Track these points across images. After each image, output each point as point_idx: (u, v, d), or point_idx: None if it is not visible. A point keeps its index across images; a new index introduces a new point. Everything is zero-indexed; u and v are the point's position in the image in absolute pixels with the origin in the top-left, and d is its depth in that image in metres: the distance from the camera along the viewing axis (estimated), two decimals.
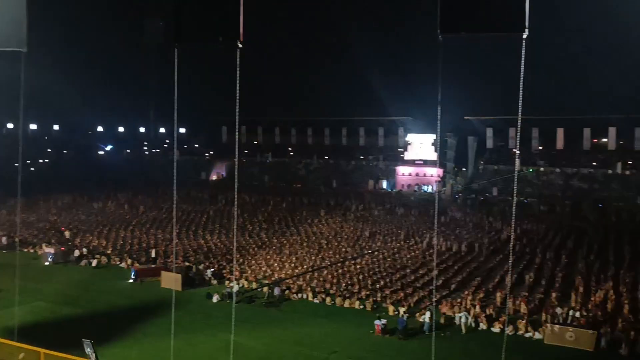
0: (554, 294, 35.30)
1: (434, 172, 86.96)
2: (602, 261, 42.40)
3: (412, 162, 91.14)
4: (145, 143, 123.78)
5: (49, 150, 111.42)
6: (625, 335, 28.35)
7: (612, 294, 34.80)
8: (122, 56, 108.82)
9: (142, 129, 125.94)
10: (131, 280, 40.94)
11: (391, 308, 33.99)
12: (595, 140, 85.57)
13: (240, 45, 13.48)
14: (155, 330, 29.80)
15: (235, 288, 36.77)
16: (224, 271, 42.80)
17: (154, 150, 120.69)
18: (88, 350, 20.51)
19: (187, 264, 44.39)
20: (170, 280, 36.92)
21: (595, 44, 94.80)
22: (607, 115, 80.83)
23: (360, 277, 40.68)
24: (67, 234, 54.67)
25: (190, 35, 13.81)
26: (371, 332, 30.65)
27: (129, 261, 45.43)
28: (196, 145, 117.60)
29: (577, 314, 31.57)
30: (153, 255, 46.85)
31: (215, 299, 36.42)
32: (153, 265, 44.06)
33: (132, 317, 32.59)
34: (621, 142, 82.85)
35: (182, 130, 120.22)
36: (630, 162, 77.79)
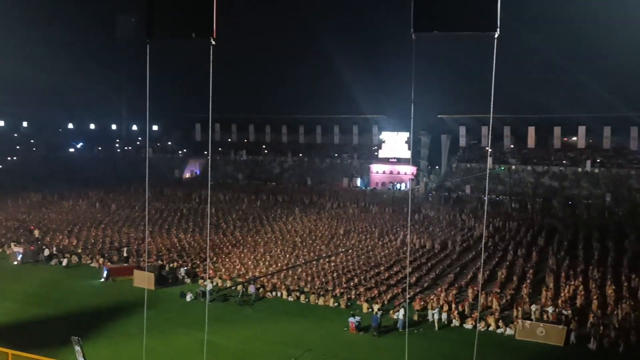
0: (524, 290, 35.83)
1: (408, 170, 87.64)
2: (571, 257, 43.13)
3: (386, 160, 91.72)
4: (117, 141, 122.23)
5: (18, 147, 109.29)
6: (594, 330, 28.89)
7: (582, 289, 35.44)
8: (93, 52, 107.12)
9: (113, 127, 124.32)
10: (102, 280, 40.41)
11: (365, 305, 34.13)
12: (566, 139, 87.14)
13: (213, 42, 13.36)
14: (127, 329, 29.51)
15: (209, 286, 36.56)
16: (198, 270, 42.50)
17: (126, 148, 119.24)
18: (77, 347, 20.20)
19: (160, 262, 43.97)
20: (143, 279, 36.53)
21: (565, 44, 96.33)
22: (577, 114, 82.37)
23: (335, 274, 40.76)
24: (36, 232, 53.66)
25: (163, 31, 13.63)
26: (345, 329, 30.74)
27: (101, 260, 44.82)
28: (169, 143, 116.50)
29: (550, 310, 32.03)
30: (125, 254, 46.29)
31: (188, 297, 36.16)
32: (125, 264, 43.54)
33: (104, 316, 32.17)
34: (590, 141, 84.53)
35: (155, 127, 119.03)
36: (599, 160, 79.39)
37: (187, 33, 13.30)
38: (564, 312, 31.74)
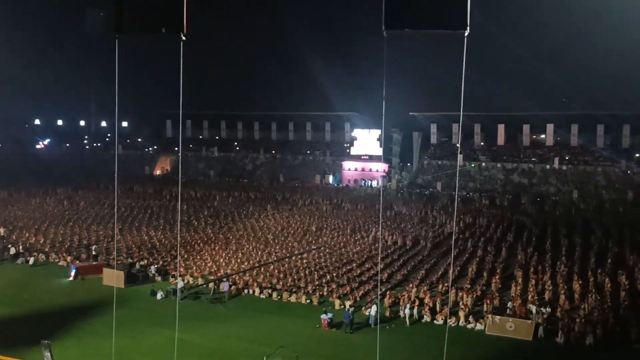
0: (494, 286, 36.33)
1: (380, 167, 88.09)
2: (540, 253, 43.85)
3: (358, 158, 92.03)
4: (86, 137, 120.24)
5: None
6: (562, 324, 29.44)
7: (550, 284, 36.07)
8: (62, 47, 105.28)
9: (82, 123, 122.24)
10: (71, 278, 39.76)
11: (337, 302, 34.25)
12: (534, 137, 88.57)
13: (183, 38, 13.21)
14: (97, 328, 29.11)
15: (180, 284, 36.24)
16: (169, 267, 42.12)
17: (95, 145, 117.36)
18: (46, 353, 19.83)
19: (130, 260, 43.45)
20: (112, 278, 36.05)
21: (534, 43, 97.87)
22: (545, 112, 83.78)
23: (307, 271, 40.78)
24: (2, 230, 52.48)
25: (132, 26, 13.42)
26: (318, 326, 30.79)
27: (69, 258, 44.08)
28: (139, 140, 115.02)
29: (533, 307, 32.52)
30: (94, 252, 45.59)
31: (159, 295, 35.80)
32: (94, 263, 42.93)
33: (72, 315, 31.67)
34: (558, 139, 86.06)
35: (125, 124, 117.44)
36: (566, 158, 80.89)
37: (156, 28, 13.11)
38: (532, 306, 32.28)
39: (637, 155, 78.14)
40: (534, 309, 31.25)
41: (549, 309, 31.77)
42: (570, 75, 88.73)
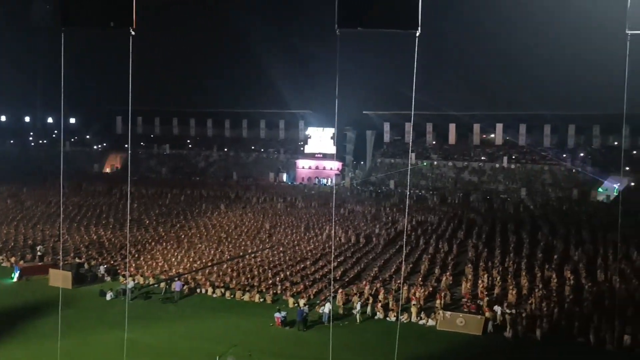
0: (445, 282, 36.96)
1: (333, 165, 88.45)
2: (489, 249, 44.85)
3: (312, 156, 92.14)
4: (31, 133, 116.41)
5: None
6: (510, 319, 30.20)
7: (499, 280, 36.94)
8: (4, 39, 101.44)
9: (27, 119, 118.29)
10: (14, 279, 38.46)
11: (291, 300, 34.21)
12: (484, 136, 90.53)
13: (133, 33, 12.90)
14: (43, 330, 28.26)
15: (130, 284, 35.54)
16: (119, 267, 41.23)
17: (40, 141, 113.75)
18: None
19: (78, 260, 42.31)
20: (59, 278, 35.06)
21: (484, 44, 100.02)
22: (495, 112, 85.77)
23: (261, 270, 40.60)
24: None
25: (79, 19, 13.01)
26: (271, 324, 30.70)
27: (13, 259, 42.59)
28: (87, 137, 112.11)
29: (486, 303, 33.19)
30: (40, 252, 44.20)
31: (109, 296, 35.01)
32: (40, 263, 41.67)
33: (16, 317, 30.65)
34: (507, 138, 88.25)
35: (73, 120, 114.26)
36: (515, 157, 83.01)
37: (104, 22, 12.76)
38: (481, 302, 33.02)
39: (582, 154, 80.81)
40: (499, 310, 31.65)
41: (513, 310, 32.28)
42: (518, 76, 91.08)
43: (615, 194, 66.52)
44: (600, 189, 69.41)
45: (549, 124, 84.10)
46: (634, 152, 79.27)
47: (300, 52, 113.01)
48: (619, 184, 67.39)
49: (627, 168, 71.95)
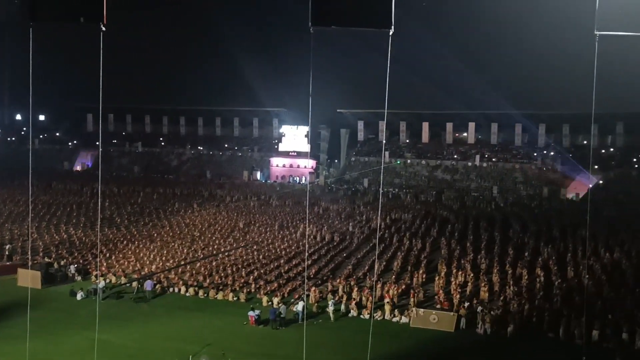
0: (417, 279, 37.25)
1: (308, 163, 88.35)
2: (462, 247, 45.32)
3: (286, 154, 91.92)
4: None
5: None
6: (482, 315, 30.56)
7: (472, 277, 37.36)
8: None
9: None
10: None
11: (265, 299, 34.13)
12: (457, 135, 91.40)
13: (103, 29, 12.69)
14: (11, 332, 27.68)
15: (102, 284, 35.05)
16: (90, 267, 40.64)
17: (8, 139, 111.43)
18: None
19: (47, 260, 41.60)
20: (28, 278, 34.39)
21: (457, 44, 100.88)
22: (467, 111, 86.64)
23: (234, 268, 40.43)
24: None
25: (48, 14, 12.76)
26: (245, 323, 30.61)
27: None
28: (57, 134, 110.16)
29: (459, 300, 33.48)
30: (7, 252, 43.31)
31: (79, 296, 34.52)
32: (8, 263, 40.86)
33: None
34: (479, 137, 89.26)
35: (42, 117, 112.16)
36: (486, 155, 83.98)
37: (74, 17, 12.53)
38: (454, 298, 33.36)
39: (552, 153, 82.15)
40: (479, 309, 31.84)
41: (485, 307, 32.53)
42: (490, 76, 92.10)
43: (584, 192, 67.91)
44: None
45: (520, 123, 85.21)
46: (603, 151, 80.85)
47: (274, 49, 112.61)
48: (588, 182, 68.72)
49: (596, 167, 73.34)
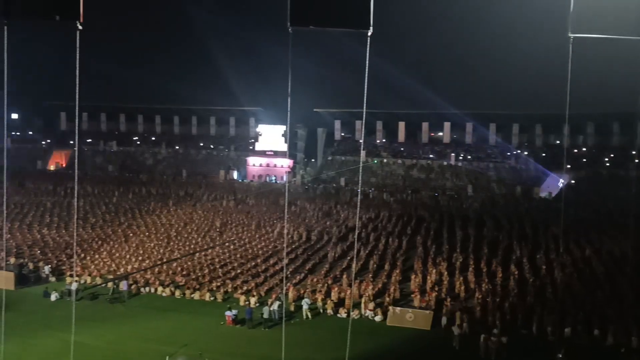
0: (395, 277, 37.52)
1: (285, 162, 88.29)
2: (437, 245, 45.77)
3: (262, 153, 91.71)
4: None
5: None
6: (459, 313, 30.90)
7: (447, 275, 37.76)
8: None
9: None
10: None
11: (242, 298, 34.06)
12: (432, 134, 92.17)
13: (80, 27, 12.57)
14: None
15: (74, 285, 34.56)
16: (64, 267, 40.12)
17: None
18: None
19: (20, 260, 40.96)
20: (1, 279, 33.81)
21: (433, 45, 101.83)
22: (443, 110, 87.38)
23: (211, 268, 40.27)
24: None
25: (22, 11, 12.59)
26: (222, 323, 30.53)
27: None
28: (30, 132, 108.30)
29: (435, 298, 33.77)
30: None
31: (53, 297, 34.07)
32: None
33: None
34: (454, 136, 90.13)
35: (15, 115, 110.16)
36: (461, 155, 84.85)
37: (50, 15, 12.40)
38: (429, 297, 33.68)
39: (525, 153, 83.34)
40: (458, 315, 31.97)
41: (460, 305, 32.93)
42: (465, 76, 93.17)
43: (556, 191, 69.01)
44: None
45: (494, 123, 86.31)
46: (575, 150, 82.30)
47: (252, 48, 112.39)
48: (561, 181, 69.87)
49: (568, 166, 74.61)
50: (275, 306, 31.39)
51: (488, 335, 26.88)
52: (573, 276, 37.28)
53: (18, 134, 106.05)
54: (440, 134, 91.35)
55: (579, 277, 37.25)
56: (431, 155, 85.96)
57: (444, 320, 30.85)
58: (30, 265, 39.96)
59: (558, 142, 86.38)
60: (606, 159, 78.53)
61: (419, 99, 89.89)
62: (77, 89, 15.27)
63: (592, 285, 35.53)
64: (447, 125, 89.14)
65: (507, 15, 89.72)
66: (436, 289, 35.53)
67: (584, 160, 79.54)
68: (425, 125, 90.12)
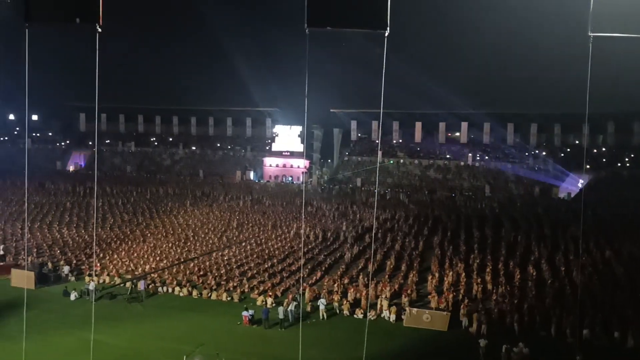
0: (411, 278, 37.38)
1: (301, 163, 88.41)
2: (454, 246, 45.48)
3: (279, 153, 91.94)
4: None
5: None
6: (477, 314, 30.69)
7: (464, 276, 37.52)
8: None
9: None
10: None
11: (260, 298, 34.17)
12: (449, 134, 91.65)
13: (99, 29, 12.72)
14: (6, 332, 27.64)
15: (92, 285, 34.90)
16: (83, 266, 40.57)
17: (1, 138, 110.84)
18: None
19: (41, 260, 41.48)
20: (22, 279, 34.36)
21: (451, 45, 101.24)
22: (460, 110, 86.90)
23: (228, 268, 40.44)
24: None
25: (43, 14, 12.77)
26: (239, 323, 30.64)
27: None
28: (50, 134, 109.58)
29: (452, 299, 33.61)
30: (1, 252, 43.15)
31: (73, 296, 34.45)
32: (1, 263, 40.71)
33: None
34: (472, 136, 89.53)
35: (35, 117, 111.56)
36: (478, 155, 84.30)
37: (70, 18, 12.55)
38: (447, 298, 33.50)
39: (544, 153, 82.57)
40: (475, 316, 31.82)
41: (479, 306, 32.80)
42: (482, 76, 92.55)
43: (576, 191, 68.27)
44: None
45: (512, 123, 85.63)
46: (595, 150, 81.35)
47: (268, 49, 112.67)
48: (580, 181, 69.10)
49: (588, 166, 73.76)
50: (291, 306, 31.45)
51: (510, 346, 26.50)
52: (592, 277, 36.85)
53: (38, 135, 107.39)
54: (458, 134, 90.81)
55: (599, 278, 36.81)
56: (448, 156, 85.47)
57: (465, 321, 30.69)
58: (50, 265, 40.44)
59: (577, 141, 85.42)
60: (626, 159, 77.51)
61: (436, 98, 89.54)
62: (97, 90, 15.45)
63: (612, 287, 35.09)
64: (464, 125, 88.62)
65: (527, 14, 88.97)
66: (453, 290, 35.34)
67: (604, 160, 78.57)
68: (442, 125, 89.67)
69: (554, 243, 45.57)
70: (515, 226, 52.16)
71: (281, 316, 30.52)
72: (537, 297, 33.81)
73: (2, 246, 44.45)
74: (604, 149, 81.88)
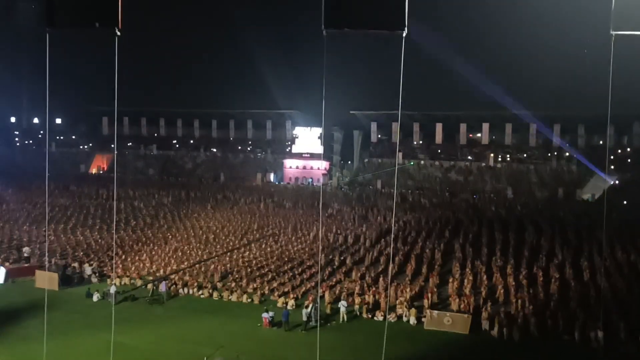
0: (432, 281, 37.10)
1: (321, 165, 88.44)
2: (476, 249, 45.03)
3: (299, 155, 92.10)
4: (17, 134, 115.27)
5: None
6: (498, 318, 30.35)
7: (485, 279, 37.14)
8: None
9: (12, 119, 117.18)
10: (1, 281, 38.08)
11: (280, 300, 34.19)
12: (471, 135, 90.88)
13: (118, 33, 12.82)
14: (28, 332, 28.01)
15: (113, 288, 35.17)
16: (105, 268, 40.99)
17: (26, 142, 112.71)
18: None
19: (64, 261, 42.01)
20: (45, 280, 34.74)
21: (470, 45, 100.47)
22: (481, 111, 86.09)
23: (248, 270, 40.55)
24: None
25: (64, 19, 12.92)
26: (259, 325, 30.67)
27: None
28: (73, 137, 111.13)
29: (473, 302, 33.31)
30: (26, 253, 43.80)
31: (95, 297, 34.81)
32: (26, 264, 41.30)
33: (1, 319, 30.37)
34: (493, 137, 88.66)
35: (59, 120, 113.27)
36: (500, 156, 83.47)
37: (90, 22, 12.68)
38: (468, 301, 33.17)
39: (567, 154, 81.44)
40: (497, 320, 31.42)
41: (500, 309, 32.54)
42: (504, 76, 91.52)
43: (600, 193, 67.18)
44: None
45: (534, 124, 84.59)
46: (619, 151, 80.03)
47: (288, 52, 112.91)
48: (604, 183, 68.00)
49: (612, 167, 72.61)
50: (311, 308, 31.41)
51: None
52: (617, 281, 36.21)
53: (62, 138, 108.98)
54: (479, 135, 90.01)
55: (624, 282, 36.15)
56: (469, 157, 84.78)
57: (485, 324, 30.36)
58: (77, 266, 40.92)
59: (601, 142, 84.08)
60: None
61: (457, 99, 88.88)
62: (117, 94, 15.60)
63: (637, 291, 34.45)
64: (485, 126, 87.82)
65: (548, 13, 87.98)
66: (474, 293, 34.99)
67: (629, 161, 77.23)
68: (463, 127, 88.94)
69: (578, 246, 44.88)
70: (538, 229, 51.46)
71: (304, 318, 30.49)
72: (561, 300, 33.32)
73: (26, 248, 45.14)
74: (628, 150, 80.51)
